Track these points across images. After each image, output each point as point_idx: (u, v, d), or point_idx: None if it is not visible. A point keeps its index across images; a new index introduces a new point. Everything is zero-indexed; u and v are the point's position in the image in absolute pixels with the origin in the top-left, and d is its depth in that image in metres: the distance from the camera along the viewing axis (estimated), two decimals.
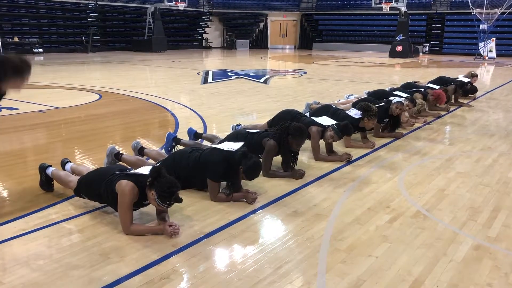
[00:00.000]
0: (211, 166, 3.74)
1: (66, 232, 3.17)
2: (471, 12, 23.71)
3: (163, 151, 4.95)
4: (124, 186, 3.07)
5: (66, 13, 25.12)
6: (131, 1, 28.48)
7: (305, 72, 15.89)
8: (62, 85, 10.98)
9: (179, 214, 3.50)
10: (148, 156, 4.61)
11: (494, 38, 23.34)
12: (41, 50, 22.71)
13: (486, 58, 23.03)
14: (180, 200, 3.04)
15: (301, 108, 6.89)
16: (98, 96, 9.39)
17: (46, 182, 3.92)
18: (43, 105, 8.13)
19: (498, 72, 17.23)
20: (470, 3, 23.32)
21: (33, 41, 22.71)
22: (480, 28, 23.59)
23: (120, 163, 4.34)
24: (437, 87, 8.37)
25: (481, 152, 5.58)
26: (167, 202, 3.02)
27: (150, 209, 3.38)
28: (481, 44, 23.56)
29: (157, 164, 3.87)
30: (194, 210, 3.58)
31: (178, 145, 5.01)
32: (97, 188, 3.32)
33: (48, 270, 2.66)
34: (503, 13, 22.88)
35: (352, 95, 8.51)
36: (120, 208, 3.10)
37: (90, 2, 26.00)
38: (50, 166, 3.96)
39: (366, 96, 7.77)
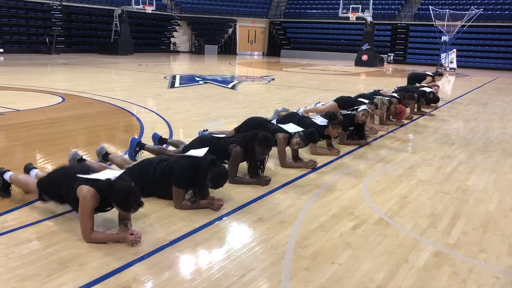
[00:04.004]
0: (178, 172, 3.68)
1: (23, 240, 3.05)
2: (433, 24, 24.49)
3: (126, 156, 4.86)
4: (86, 192, 2.98)
5: (28, 13, 24.41)
6: (98, 3, 27.96)
7: (273, 79, 15.98)
8: (23, 87, 10.63)
9: (142, 221, 3.43)
10: (113, 162, 4.50)
11: (455, 50, 24.18)
12: (1, 50, 21.98)
13: (447, 69, 23.79)
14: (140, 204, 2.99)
15: (269, 115, 6.91)
16: (61, 99, 9.14)
17: (3, 188, 3.77)
18: (2, 107, 7.83)
19: (458, 83, 17.83)
20: (432, 16, 24.07)
21: None
22: (442, 39, 24.37)
23: None
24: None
25: (442, 160, 5.74)
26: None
27: (113, 215, 3.30)
28: (443, 55, 24.35)
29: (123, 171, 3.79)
30: (158, 217, 3.52)
31: (142, 150, 4.93)
32: (59, 187, 3.24)
33: (1, 280, 2.55)
34: (463, 26, 23.71)
35: (319, 102, 8.61)
36: (81, 215, 3.02)
37: (55, 2, 25.36)
38: (8, 170, 3.81)
39: (332, 102, 7.90)
